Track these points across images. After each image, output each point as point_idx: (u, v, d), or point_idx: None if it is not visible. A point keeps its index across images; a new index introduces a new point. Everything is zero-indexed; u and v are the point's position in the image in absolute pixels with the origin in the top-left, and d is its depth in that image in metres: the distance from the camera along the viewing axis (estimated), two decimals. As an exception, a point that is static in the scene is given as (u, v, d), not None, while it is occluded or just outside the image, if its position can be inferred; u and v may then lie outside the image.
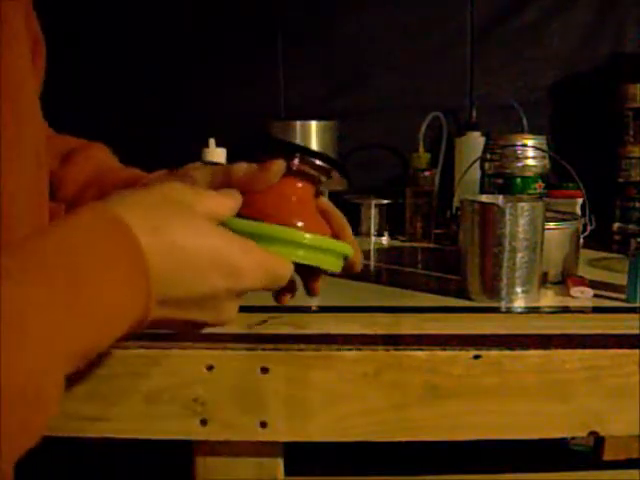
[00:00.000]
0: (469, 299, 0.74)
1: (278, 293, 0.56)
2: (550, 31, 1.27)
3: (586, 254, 0.92)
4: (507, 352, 0.58)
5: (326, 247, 0.52)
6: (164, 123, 1.29)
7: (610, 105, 1.11)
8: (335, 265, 0.53)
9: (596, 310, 0.71)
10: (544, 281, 0.77)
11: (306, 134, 1.15)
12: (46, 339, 0.36)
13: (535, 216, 0.71)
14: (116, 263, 0.40)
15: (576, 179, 0.89)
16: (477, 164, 1.06)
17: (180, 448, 0.61)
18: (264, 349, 0.58)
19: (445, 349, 0.58)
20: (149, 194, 0.46)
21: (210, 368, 0.58)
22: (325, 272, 0.55)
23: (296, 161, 0.53)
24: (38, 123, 0.52)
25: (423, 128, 1.24)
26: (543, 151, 1.07)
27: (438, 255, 1.06)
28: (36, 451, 0.38)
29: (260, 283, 0.48)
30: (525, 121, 1.22)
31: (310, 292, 0.57)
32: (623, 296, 0.73)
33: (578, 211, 1.00)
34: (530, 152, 1.07)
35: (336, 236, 0.55)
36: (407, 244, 1.13)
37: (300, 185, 0.54)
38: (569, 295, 0.74)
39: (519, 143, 1.08)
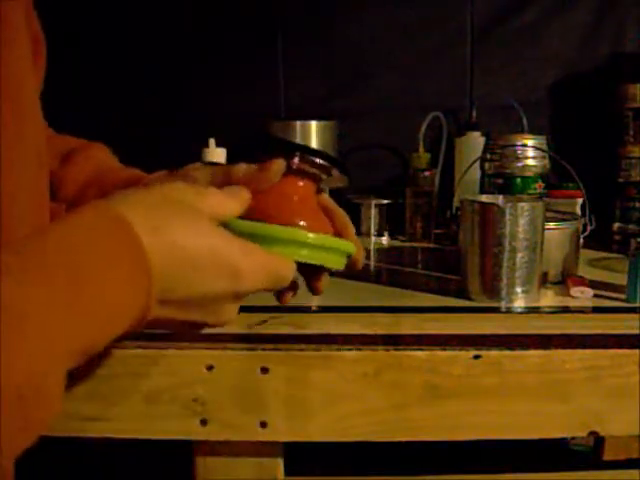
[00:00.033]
0: (469, 299, 0.74)
1: (280, 292, 0.56)
2: (550, 31, 1.27)
3: (586, 254, 0.92)
4: (507, 352, 0.58)
5: (329, 246, 0.52)
6: (164, 123, 1.29)
7: (610, 105, 1.11)
8: (339, 263, 0.53)
9: (596, 310, 0.71)
10: (544, 281, 0.77)
11: (306, 134, 1.15)
12: (46, 337, 0.36)
13: (535, 216, 0.71)
14: (118, 261, 0.41)
15: (576, 179, 0.89)
16: (477, 164, 1.06)
17: (180, 448, 0.61)
18: (264, 349, 0.58)
19: (445, 349, 0.58)
20: (150, 193, 0.46)
21: (210, 368, 0.58)
22: (328, 270, 0.55)
23: (296, 160, 0.53)
24: (39, 122, 0.52)
25: (423, 128, 1.24)
26: (543, 151, 1.07)
27: (438, 255, 1.06)
28: (36, 451, 0.38)
29: (261, 285, 0.47)
30: (525, 121, 1.22)
31: (314, 291, 0.57)
32: (623, 296, 0.73)
33: (578, 211, 1.00)
34: (530, 152, 1.07)
35: (338, 233, 0.55)
36: (407, 244, 1.13)
37: (301, 184, 0.54)
38: (569, 295, 0.74)
39: (519, 143, 1.08)
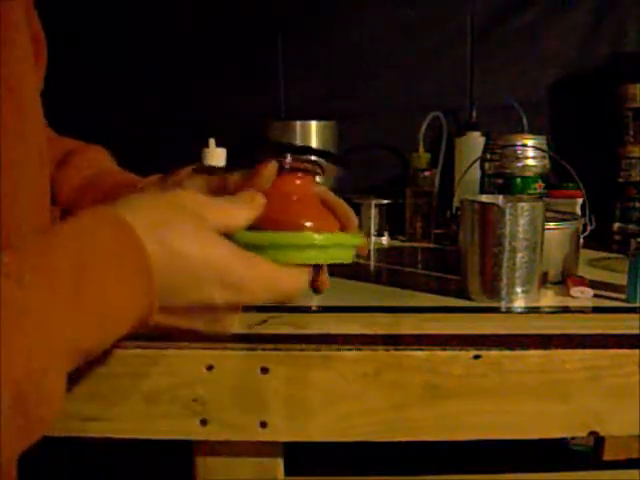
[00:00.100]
0: (469, 299, 0.74)
1: (313, 280, 0.56)
2: (550, 31, 1.27)
3: (586, 254, 0.92)
4: (507, 352, 0.58)
5: (338, 243, 0.52)
6: (164, 123, 1.29)
7: (610, 105, 1.11)
8: (348, 257, 0.53)
9: (596, 310, 0.71)
10: (544, 281, 0.77)
11: (306, 134, 1.15)
12: (46, 333, 0.36)
13: (535, 216, 0.71)
14: (120, 263, 0.41)
15: (576, 179, 0.89)
16: (477, 164, 1.06)
17: (180, 448, 0.61)
18: (264, 349, 0.58)
19: (445, 349, 0.58)
20: (154, 199, 0.46)
21: (210, 368, 0.58)
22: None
23: (288, 159, 0.53)
24: (40, 122, 0.53)
25: (423, 128, 1.24)
26: (543, 151, 1.08)
27: (438, 255, 1.06)
28: (37, 451, 0.38)
29: (264, 296, 0.47)
30: (525, 121, 1.22)
31: (318, 288, 0.57)
32: (623, 296, 0.73)
33: (578, 211, 0.99)
34: (530, 152, 1.07)
35: (342, 224, 0.55)
36: (407, 244, 1.13)
37: (298, 182, 0.54)
38: (569, 295, 0.74)
39: (519, 143, 1.08)
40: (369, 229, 1.15)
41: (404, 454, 0.96)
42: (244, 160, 0.56)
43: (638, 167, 1.04)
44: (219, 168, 0.61)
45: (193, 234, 0.44)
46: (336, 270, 0.61)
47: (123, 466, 1.18)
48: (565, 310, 0.72)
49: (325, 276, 0.57)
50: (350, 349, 0.58)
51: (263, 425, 0.58)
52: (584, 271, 0.84)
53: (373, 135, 1.31)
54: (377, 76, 1.30)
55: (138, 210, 0.43)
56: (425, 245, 1.11)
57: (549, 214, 0.79)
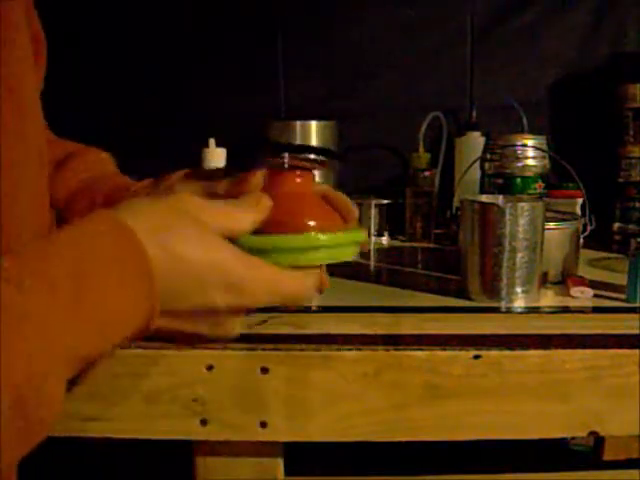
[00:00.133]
0: (469, 299, 0.74)
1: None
2: (550, 31, 1.27)
3: (586, 254, 0.92)
4: (507, 352, 0.58)
5: (342, 242, 0.52)
6: (164, 123, 1.29)
7: (610, 105, 1.11)
8: (352, 253, 0.53)
9: (596, 310, 0.71)
10: (544, 281, 0.77)
11: (306, 134, 1.15)
12: (46, 337, 0.36)
13: (535, 216, 0.71)
14: (121, 268, 0.41)
15: (576, 179, 0.89)
16: (477, 164, 1.06)
17: (180, 448, 0.61)
18: (264, 349, 0.58)
19: (445, 349, 0.58)
20: (156, 203, 0.46)
21: (210, 368, 0.58)
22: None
23: (286, 158, 0.53)
24: (40, 122, 0.53)
25: (423, 128, 1.24)
26: (543, 151, 1.08)
27: (438, 255, 1.06)
28: (37, 451, 0.38)
29: (267, 299, 0.47)
30: (525, 121, 1.22)
31: (317, 290, 0.57)
32: (623, 296, 0.73)
33: (578, 211, 1.00)
34: (530, 152, 1.07)
35: (343, 217, 0.55)
36: (407, 244, 1.13)
37: (299, 180, 0.54)
38: (569, 295, 0.74)
39: (519, 143, 1.08)
40: (369, 229, 1.15)
41: (404, 454, 0.96)
42: (244, 160, 0.56)
43: (638, 167, 1.04)
44: (216, 170, 0.61)
45: (196, 238, 0.44)
46: (336, 270, 0.61)
47: (123, 466, 1.18)
48: (565, 310, 0.72)
49: (325, 276, 0.57)
50: (350, 349, 0.58)
51: (263, 425, 0.58)
52: (584, 271, 0.84)
53: (373, 135, 1.31)
54: (377, 76, 1.30)
55: (139, 214, 0.43)
56: (425, 245, 1.11)
57: (549, 214, 0.79)
